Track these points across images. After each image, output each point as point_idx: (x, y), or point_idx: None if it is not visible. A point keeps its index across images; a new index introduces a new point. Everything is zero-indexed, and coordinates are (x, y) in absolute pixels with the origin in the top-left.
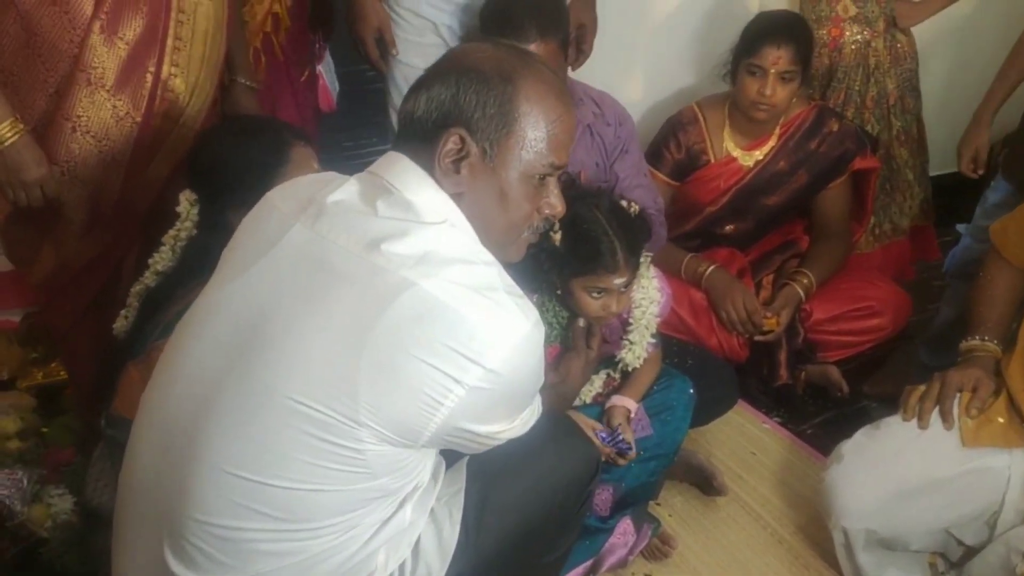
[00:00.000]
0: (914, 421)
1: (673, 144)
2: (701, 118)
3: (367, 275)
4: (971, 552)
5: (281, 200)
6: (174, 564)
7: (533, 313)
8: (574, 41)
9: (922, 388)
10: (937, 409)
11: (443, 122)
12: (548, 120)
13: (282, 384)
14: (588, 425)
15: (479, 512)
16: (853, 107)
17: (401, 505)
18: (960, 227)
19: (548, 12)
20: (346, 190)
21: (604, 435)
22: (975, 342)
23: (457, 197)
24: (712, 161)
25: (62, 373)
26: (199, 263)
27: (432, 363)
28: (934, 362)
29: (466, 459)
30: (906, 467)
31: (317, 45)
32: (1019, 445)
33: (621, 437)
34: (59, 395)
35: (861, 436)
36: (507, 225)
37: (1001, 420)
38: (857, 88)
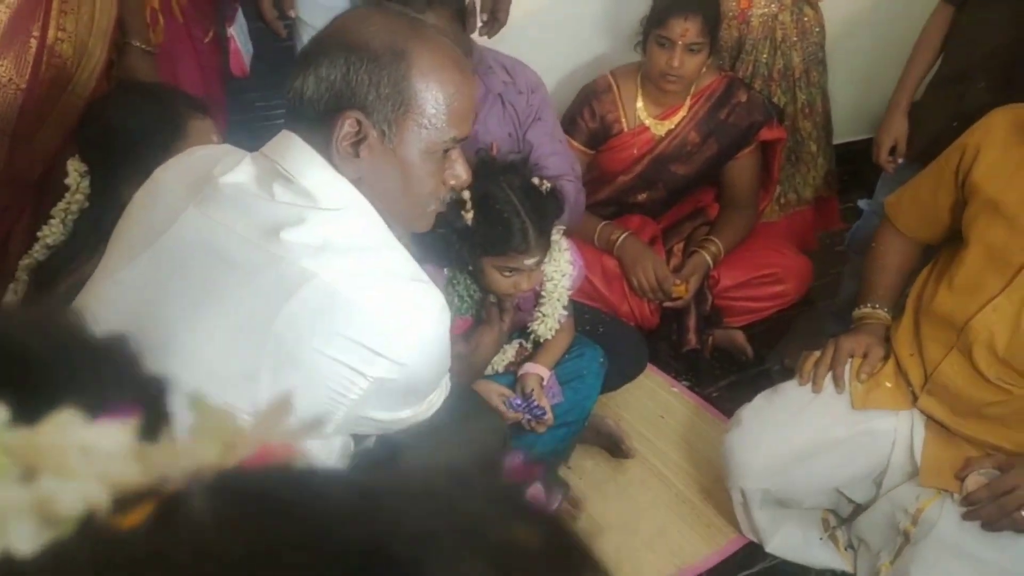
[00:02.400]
0: (808, 386)
1: (587, 113)
2: (615, 87)
3: (266, 265)
4: (860, 508)
5: (171, 179)
6: None
7: (438, 299)
8: (489, 9)
9: (817, 354)
10: (830, 374)
11: (336, 105)
12: (446, 93)
13: (178, 380)
14: (501, 393)
15: None
16: (760, 79)
17: None
18: (861, 203)
19: None
20: (241, 171)
21: (518, 401)
22: (867, 310)
23: (358, 181)
24: (625, 130)
25: None
26: (91, 236)
27: (335, 356)
28: (841, 332)
29: (372, 439)
30: (800, 430)
31: (227, 5)
32: (904, 407)
33: (535, 403)
34: None
35: (759, 400)
36: (413, 202)
37: (888, 384)
38: (764, 60)
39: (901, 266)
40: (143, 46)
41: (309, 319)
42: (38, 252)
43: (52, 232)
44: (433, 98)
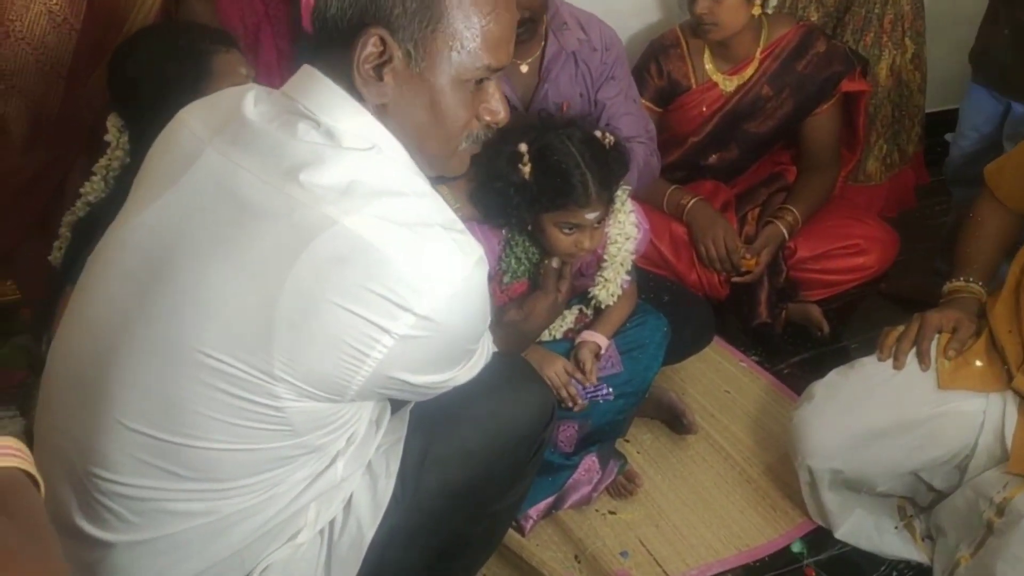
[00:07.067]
0: (889, 361)
1: (654, 68)
2: (683, 41)
3: (284, 211)
4: (940, 497)
5: (194, 120)
6: (82, 522)
7: (475, 250)
8: None
9: (900, 328)
10: (914, 350)
11: (359, 20)
12: (481, 13)
13: (190, 335)
14: (563, 368)
15: (419, 464)
16: (872, 31)
17: (333, 461)
18: (948, 136)
19: None
20: (262, 111)
21: (583, 390)
22: (959, 283)
23: (382, 110)
24: (693, 87)
25: (16, 292)
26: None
27: (355, 311)
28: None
29: (411, 405)
30: (877, 407)
31: None
32: (995, 389)
33: (606, 390)
34: (14, 315)
35: (834, 375)
36: (443, 137)
37: (979, 363)
38: (876, 11)
39: (1000, 239)
40: None
41: (327, 269)
42: (80, 208)
43: (93, 189)
44: (465, 16)
